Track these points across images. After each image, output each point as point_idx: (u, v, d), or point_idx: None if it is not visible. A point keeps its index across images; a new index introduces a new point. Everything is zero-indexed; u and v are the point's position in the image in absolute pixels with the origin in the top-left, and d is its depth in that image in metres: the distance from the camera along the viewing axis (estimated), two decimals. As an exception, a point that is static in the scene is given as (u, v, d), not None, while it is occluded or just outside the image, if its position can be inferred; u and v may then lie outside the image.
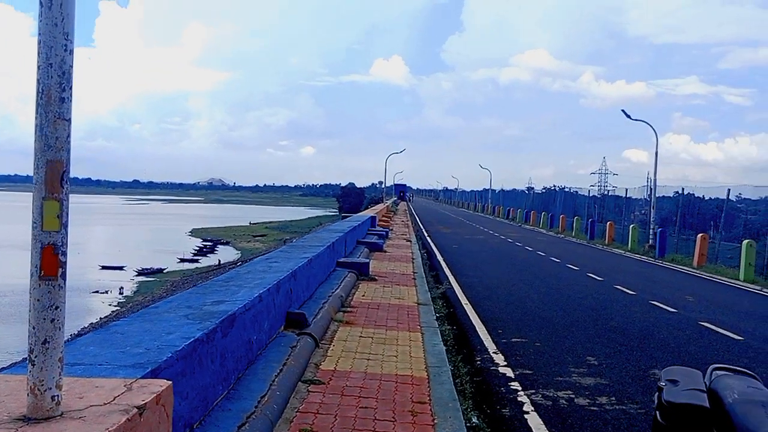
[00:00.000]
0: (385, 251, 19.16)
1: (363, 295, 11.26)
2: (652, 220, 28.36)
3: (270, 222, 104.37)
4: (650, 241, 27.39)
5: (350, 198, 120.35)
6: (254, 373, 5.63)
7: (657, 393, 2.85)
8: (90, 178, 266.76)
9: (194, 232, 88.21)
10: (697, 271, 20.83)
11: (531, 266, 18.98)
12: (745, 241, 20.33)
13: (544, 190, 61.41)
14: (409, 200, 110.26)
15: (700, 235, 23.62)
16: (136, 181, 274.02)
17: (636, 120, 29.10)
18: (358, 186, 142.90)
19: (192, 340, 4.16)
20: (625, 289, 14.35)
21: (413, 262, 16.83)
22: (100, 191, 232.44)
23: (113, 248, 63.93)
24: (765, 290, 16.86)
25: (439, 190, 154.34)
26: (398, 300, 11.02)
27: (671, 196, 32.91)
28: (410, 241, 23.70)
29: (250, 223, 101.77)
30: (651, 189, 29.79)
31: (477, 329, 9.59)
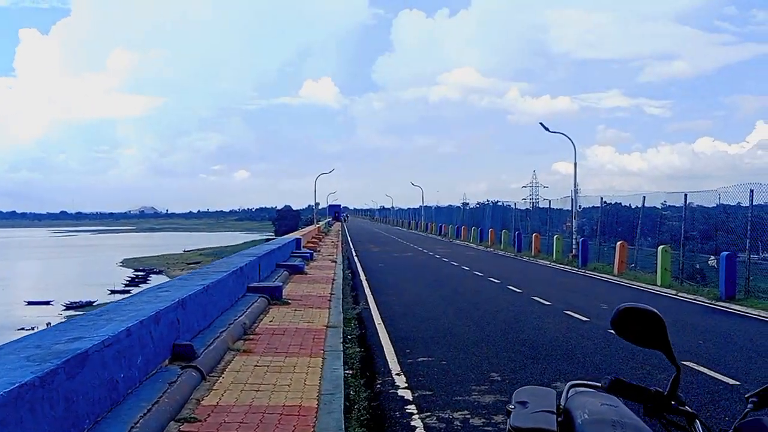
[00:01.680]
0: (306, 273, 18.72)
1: (270, 321, 10.81)
2: (574, 230, 28.89)
3: (204, 248, 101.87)
4: (573, 251, 27.85)
5: (286, 220, 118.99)
6: (117, 416, 5.13)
7: (506, 417, 2.59)
8: (14, 211, 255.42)
9: (125, 262, 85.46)
10: (617, 279, 21.20)
11: (453, 282, 18.88)
12: (660, 247, 20.82)
13: (477, 205, 62.12)
14: (344, 220, 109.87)
15: (619, 243, 24.11)
16: (63, 212, 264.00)
17: (554, 132, 29.71)
18: (294, 208, 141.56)
19: (16, 385, 3.69)
20: (541, 300, 14.35)
21: (333, 284, 16.45)
22: (26, 224, 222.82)
23: (40, 282, 61.18)
24: (680, 294, 17.21)
25: (375, 210, 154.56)
26: (307, 324, 10.62)
27: (599, 206, 33.67)
28: (335, 262, 23.32)
29: (184, 251, 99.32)
30: (572, 200, 30.35)
31: (385, 350, 9.30)
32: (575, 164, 29.10)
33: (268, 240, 25.81)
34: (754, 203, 17.18)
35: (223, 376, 7.13)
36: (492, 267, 24.15)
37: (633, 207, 31.79)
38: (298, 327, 10.32)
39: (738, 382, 7.29)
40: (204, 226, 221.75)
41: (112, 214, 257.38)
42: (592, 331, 10.69)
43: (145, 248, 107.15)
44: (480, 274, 20.93)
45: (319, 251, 28.79)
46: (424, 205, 74.85)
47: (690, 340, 10.01)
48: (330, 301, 13.44)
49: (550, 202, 36.14)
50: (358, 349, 9.23)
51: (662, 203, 29.46)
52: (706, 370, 7.85)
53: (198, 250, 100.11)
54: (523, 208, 48.09)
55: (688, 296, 16.82)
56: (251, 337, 9.34)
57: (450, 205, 63.67)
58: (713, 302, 15.48)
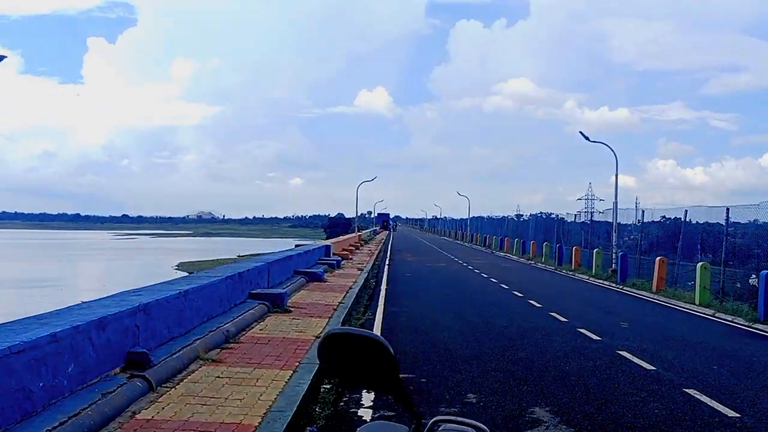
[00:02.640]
0: (325, 281, 18.34)
1: (261, 329, 10.43)
2: (614, 243, 27.71)
3: (258, 253, 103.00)
4: (612, 265, 26.70)
5: (338, 228, 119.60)
6: (24, 429, 4.79)
7: None
8: (79, 214, 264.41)
9: (181, 266, 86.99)
10: (654, 296, 20.10)
11: (474, 294, 18.20)
12: (699, 264, 19.64)
13: (530, 217, 60.77)
14: (393, 229, 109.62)
15: (658, 258, 22.92)
16: (125, 216, 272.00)
17: (595, 142, 28.62)
18: (347, 216, 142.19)
19: None
20: (558, 316, 13.56)
21: (348, 292, 16.00)
22: (89, 226, 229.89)
23: (97, 283, 62.75)
24: (717, 315, 16.11)
25: (425, 219, 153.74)
26: (298, 334, 10.19)
27: (658, 220, 32.13)
28: (362, 270, 22.88)
29: (238, 255, 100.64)
30: (615, 212, 29.13)
31: (369, 364, 8.75)
32: (616, 176, 28.03)
33: (298, 245, 25.52)
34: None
35: (175, 387, 6.73)
36: (522, 280, 23.32)
37: (694, 222, 30.16)
38: (287, 336, 9.91)
39: (738, 415, 6.48)
40: (259, 232, 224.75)
41: (171, 218, 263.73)
42: (598, 351, 9.92)
43: (201, 252, 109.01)
44: (506, 287, 20.14)
45: (351, 259, 28.42)
46: (471, 216, 73.75)
47: (704, 364, 9.16)
48: (335, 310, 13.00)
49: (591, 214, 34.82)
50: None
51: (726, 218, 27.77)
52: (706, 399, 7.05)
53: (251, 255, 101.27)
54: (579, 220, 46.48)
55: (725, 317, 15.70)
56: (231, 346, 8.95)
57: (493, 216, 62.41)
58: (750, 324, 14.36)
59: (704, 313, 16.49)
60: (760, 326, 14.09)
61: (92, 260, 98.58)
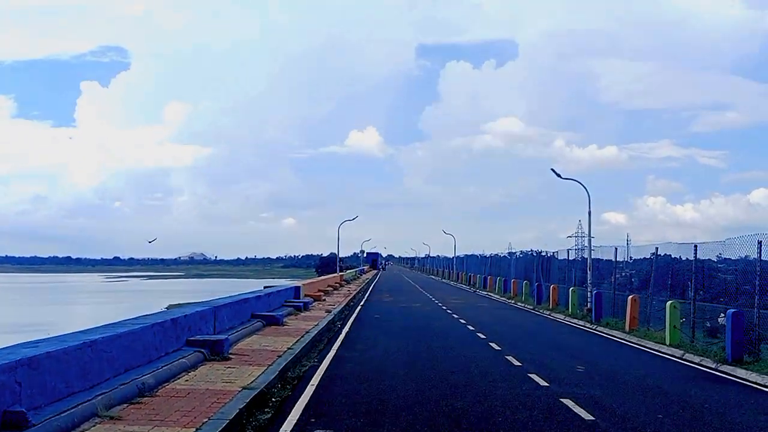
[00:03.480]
0: (285, 324, 17.70)
1: (187, 380, 9.79)
2: (589, 281, 27.18)
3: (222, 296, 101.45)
4: (588, 304, 26.12)
5: (329, 268, 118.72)
6: None
7: None
8: (70, 257, 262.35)
9: (170, 308, 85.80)
10: (625, 336, 19.52)
11: (437, 337, 17.56)
12: (669, 303, 19.13)
13: (520, 254, 60.21)
14: (383, 268, 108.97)
15: (630, 297, 22.38)
16: (116, 258, 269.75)
17: (566, 179, 28.34)
18: (340, 255, 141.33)
19: None
20: (514, 360, 12.96)
21: (303, 336, 15.35)
22: (80, 269, 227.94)
23: (84, 326, 61.51)
24: (685, 356, 15.53)
25: (415, 258, 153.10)
26: (225, 384, 9.55)
27: (648, 257, 31.44)
28: (330, 312, 22.20)
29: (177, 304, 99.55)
30: (590, 249, 28.66)
31: (289, 417, 8.15)
32: (589, 213, 27.54)
33: (267, 287, 24.83)
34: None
35: (52, 450, 6.11)
36: (491, 321, 22.75)
37: (684, 259, 29.40)
38: (211, 388, 9.25)
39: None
40: (250, 273, 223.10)
41: (163, 260, 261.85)
42: (541, 398, 9.33)
43: (191, 294, 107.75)
44: (472, 328, 19.53)
45: (324, 300, 27.76)
46: (458, 254, 73.19)
47: (648, 413, 8.56)
48: (280, 357, 12.34)
49: (581, 251, 34.35)
50: (259, 416, 8.11)
51: (717, 255, 27.10)
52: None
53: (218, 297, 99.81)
54: (571, 257, 45.69)
55: (693, 358, 15.15)
56: (142, 400, 8.30)
57: (496, 254, 61.91)
58: (716, 366, 13.81)
59: (671, 355, 15.93)
60: (726, 368, 13.52)
61: (81, 303, 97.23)
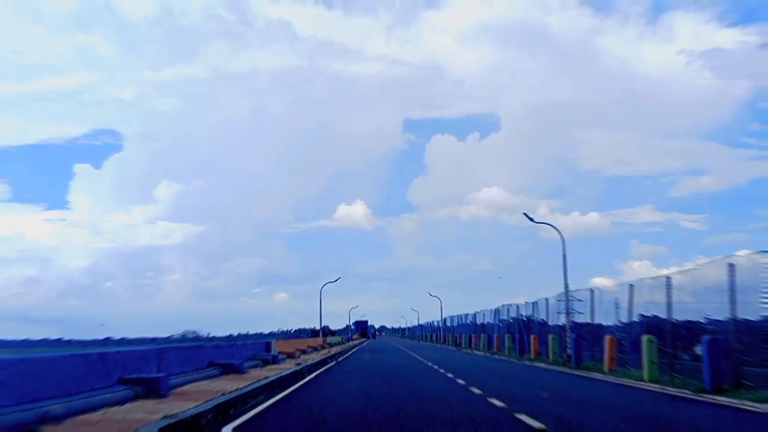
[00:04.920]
0: (245, 372, 16.55)
1: (105, 413, 8.67)
2: (568, 328, 26.10)
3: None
4: (567, 350, 24.98)
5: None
6: None
7: None
8: (61, 339, 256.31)
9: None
10: (604, 376, 18.39)
11: (403, 378, 16.33)
12: (645, 337, 18.12)
13: (512, 320, 58.99)
14: (373, 337, 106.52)
15: (607, 337, 21.32)
16: (108, 338, 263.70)
17: (539, 223, 27.73)
18: (333, 328, 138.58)
19: None
20: (475, 390, 11.84)
21: (258, 381, 14.12)
22: (72, 351, 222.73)
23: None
24: (666, 388, 14.46)
25: (406, 328, 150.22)
26: (145, 414, 8.44)
27: (637, 320, 30.39)
28: (299, 365, 20.88)
29: None
30: (566, 294, 27.63)
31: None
32: (564, 256, 26.73)
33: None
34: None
35: None
36: (466, 366, 21.58)
37: (672, 320, 28.15)
38: (128, 417, 8.15)
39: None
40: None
41: (154, 339, 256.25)
42: (496, 414, 8.24)
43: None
44: (443, 371, 18.35)
45: (298, 357, 26.39)
46: (444, 317, 71.64)
47: (608, 424, 7.50)
48: (223, 395, 11.16)
49: (546, 303, 33.08)
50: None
51: (705, 317, 26.06)
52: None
53: None
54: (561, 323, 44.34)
55: (673, 390, 14.07)
56: (44, 428, 7.19)
57: (458, 314, 60.96)
58: (696, 394, 12.74)
59: (651, 388, 14.83)
60: (707, 396, 12.45)
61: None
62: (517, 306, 37.07)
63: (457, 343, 54.61)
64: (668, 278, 18.71)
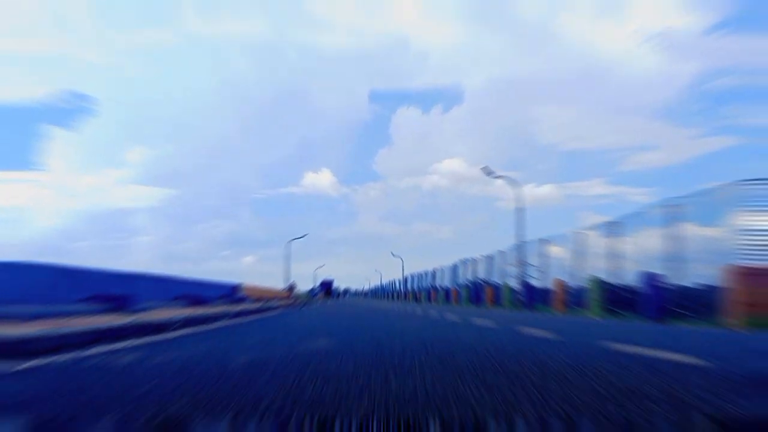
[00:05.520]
0: (209, 305, 16.79)
1: (68, 320, 8.86)
2: (518, 274, 26.91)
3: None
4: (520, 297, 25.85)
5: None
6: None
7: None
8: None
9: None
10: (553, 315, 19.12)
11: (354, 313, 16.79)
12: (591, 279, 18.98)
13: (468, 280, 60.02)
14: (338, 297, 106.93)
15: (556, 280, 22.15)
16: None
17: (498, 177, 28.26)
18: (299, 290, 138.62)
19: None
20: (452, 317, 12.33)
21: (219, 308, 14.47)
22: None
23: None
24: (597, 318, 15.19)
25: (369, 289, 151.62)
26: (108, 320, 8.66)
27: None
28: (264, 305, 21.24)
29: None
30: (519, 244, 28.42)
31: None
32: (519, 208, 27.34)
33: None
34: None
35: None
36: (425, 308, 22.06)
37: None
38: (88, 321, 8.37)
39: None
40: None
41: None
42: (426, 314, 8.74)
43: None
44: (409, 310, 18.86)
45: (264, 302, 26.74)
46: (405, 276, 72.50)
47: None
48: (184, 315, 11.45)
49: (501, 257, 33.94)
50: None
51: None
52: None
53: None
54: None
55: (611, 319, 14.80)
56: None
57: (418, 272, 61.91)
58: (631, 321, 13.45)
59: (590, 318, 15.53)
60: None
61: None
62: (474, 260, 37.86)
63: (417, 299, 55.58)
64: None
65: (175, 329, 8.95)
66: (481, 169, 27.94)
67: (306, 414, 2.37)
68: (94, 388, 3.38)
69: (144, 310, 12.21)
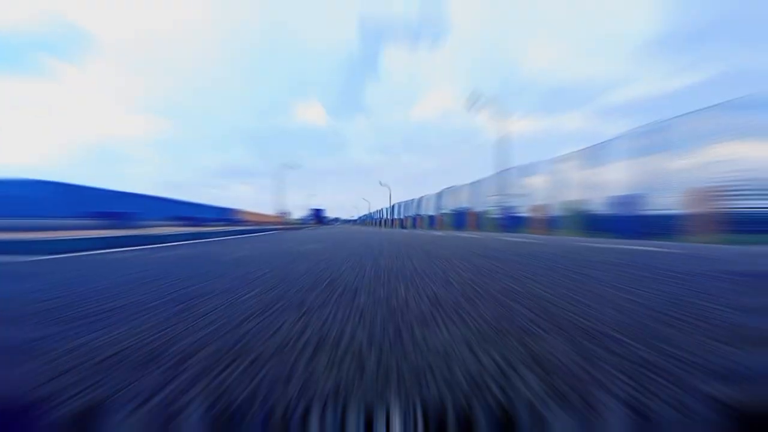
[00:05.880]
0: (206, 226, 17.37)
1: (75, 233, 9.42)
2: (499, 199, 27.60)
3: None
4: (503, 222, 26.60)
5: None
6: None
7: None
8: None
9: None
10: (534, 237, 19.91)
11: (335, 237, 17.44)
12: (569, 204, 19.66)
13: (454, 212, 60.66)
14: (328, 225, 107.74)
15: (532, 206, 22.83)
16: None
17: (481, 108, 28.51)
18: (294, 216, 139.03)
19: None
20: (438, 233, 12.97)
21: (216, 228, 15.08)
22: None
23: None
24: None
25: (357, 218, 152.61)
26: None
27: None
28: (259, 227, 21.89)
29: None
30: (499, 169, 29.00)
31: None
32: (501, 139, 27.72)
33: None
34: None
35: None
36: (410, 231, 22.72)
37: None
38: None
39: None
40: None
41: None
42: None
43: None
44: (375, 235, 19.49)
45: (258, 225, 27.40)
46: (392, 204, 73.19)
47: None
48: (190, 232, 12.07)
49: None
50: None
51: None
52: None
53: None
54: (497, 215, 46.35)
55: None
56: None
57: (407, 200, 62.51)
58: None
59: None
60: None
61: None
62: (458, 188, 38.51)
63: (404, 225, 56.53)
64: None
65: (177, 241, 9.55)
66: (466, 99, 28.06)
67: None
68: (101, 269, 4.00)
69: (145, 227, 12.76)
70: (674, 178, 14.80)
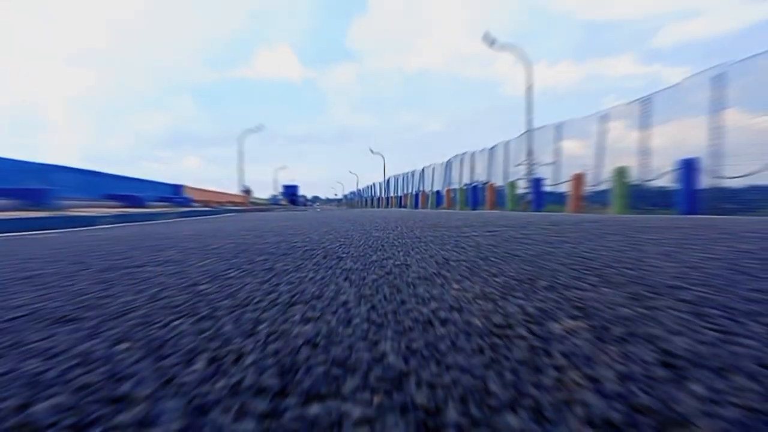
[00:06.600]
0: (145, 207, 16.89)
1: None
2: (527, 168, 27.13)
3: None
4: (528, 197, 26.13)
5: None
6: None
7: None
8: None
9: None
10: (563, 215, 19.46)
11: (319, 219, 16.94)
12: (616, 168, 19.24)
13: (465, 186, 60.16)
14: (304, 205, 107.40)
15: (573, 174, 22.35)
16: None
17: (501, 47, 27.97)
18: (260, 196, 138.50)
19: None
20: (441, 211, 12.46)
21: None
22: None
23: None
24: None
25: (344, 195, 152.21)
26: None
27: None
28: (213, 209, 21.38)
29: None
30: (530, 131, 28.51)
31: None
32: (530, 86, 27.17)
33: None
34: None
35: None
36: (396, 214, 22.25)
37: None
38: None
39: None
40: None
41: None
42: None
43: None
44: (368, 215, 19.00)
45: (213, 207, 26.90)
46: (388, 177, 72.51)
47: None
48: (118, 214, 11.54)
49: (505, 147, 34.11)
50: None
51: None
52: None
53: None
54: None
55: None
56: None
57: (403, 173, 61.89)
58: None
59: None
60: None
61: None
62: (472, 154, 37.86)
63: (403, 204, 56.02)
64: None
65: (107, 223, 9.00)
66: (482, 38, 27.36)
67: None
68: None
69: (66, 207, 12.20)
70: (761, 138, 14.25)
